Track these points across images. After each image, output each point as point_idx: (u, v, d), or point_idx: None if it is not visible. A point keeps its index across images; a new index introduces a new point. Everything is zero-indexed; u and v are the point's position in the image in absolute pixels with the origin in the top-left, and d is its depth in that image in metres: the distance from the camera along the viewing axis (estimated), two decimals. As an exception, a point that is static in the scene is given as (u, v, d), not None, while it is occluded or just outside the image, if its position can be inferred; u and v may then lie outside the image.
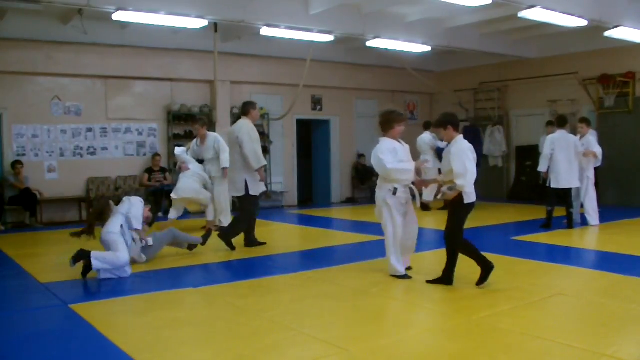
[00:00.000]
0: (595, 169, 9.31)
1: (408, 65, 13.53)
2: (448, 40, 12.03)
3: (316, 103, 14.40)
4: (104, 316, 4.70)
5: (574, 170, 8.87)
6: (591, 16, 9.60)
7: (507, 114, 14.56)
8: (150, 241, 6.70)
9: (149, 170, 11.88)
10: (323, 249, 7.71)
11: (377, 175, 5.85)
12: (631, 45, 11.50)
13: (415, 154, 9.18)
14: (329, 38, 10.89)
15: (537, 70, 13.54)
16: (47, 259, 7.41)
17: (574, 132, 9.46)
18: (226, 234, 7.59)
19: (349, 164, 14.84)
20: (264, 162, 7.66)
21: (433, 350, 3.90)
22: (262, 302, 5.06)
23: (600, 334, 4.05)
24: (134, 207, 6.40)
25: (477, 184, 5.40)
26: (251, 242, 7.82)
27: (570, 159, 8.82)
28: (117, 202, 6.66)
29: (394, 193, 5.51)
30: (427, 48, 12.11)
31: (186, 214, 11.60)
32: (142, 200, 6.66)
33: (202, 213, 9.79)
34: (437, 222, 9.35)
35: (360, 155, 14.93)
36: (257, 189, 7.63)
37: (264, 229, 10.01)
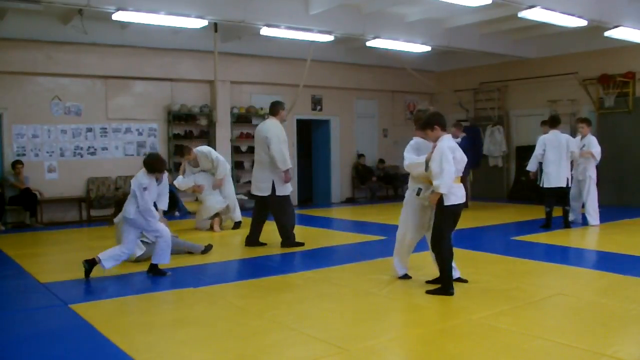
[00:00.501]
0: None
1: (408, 65, 13.53)
2: (448, 40, 12.03)
3: (316, 103, 14.40)
4: (104, 316, 4.70)
5: (564, 169, 8.87)
6: (591, 16, 9.60)
7: (507, 114, 14.56)
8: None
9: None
10: (323, 249, 7.70)
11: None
12: (631, 45, 11.50)
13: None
14: (329, 38, 10.89)
15: (537, 70, 13.54)
16: (47, 259, 7.42)
17: (573, 132, 9.46)
18: (286, 242, 7.69)
19: (349, 164, 14.84)
20: (290, 165, 7.63)
21: (433, 350, 3.90)
22: (262, 302, 5.05)
23: (600, 334, 4.05)
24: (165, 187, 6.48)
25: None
26: (253, 242, 7.82)
27: (561, 159, 8.83)
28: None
29: (418, 194, 5.34)
30: (427, 48, 12.11)
31: (187, 213, 11.63)
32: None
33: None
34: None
35: (360, 155, 14.93)
36: (284, 189, 7.62)
37: (264, 228, 10.01)
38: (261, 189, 7.57)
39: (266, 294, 5.41)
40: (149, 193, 6.10)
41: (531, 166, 9.18)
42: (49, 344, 4.08)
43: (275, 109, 7.76)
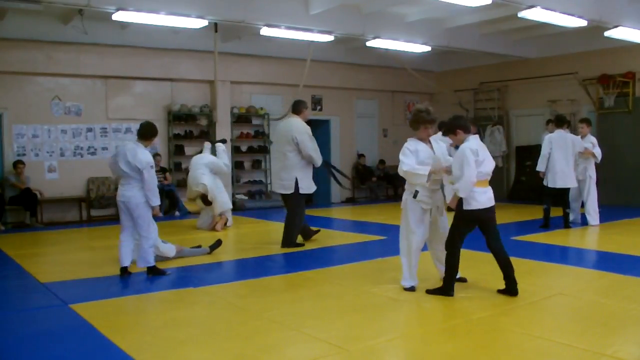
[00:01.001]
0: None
1: (408, 65, 13.53)
2: (448, 40, 12.03)
3: (316, 103, 14.39)
4: (104, 316, 4.70)
5: (571, 169, 8.86)
6: (591, 16, 9.60)
7: (507, 114, 14.56)
8: None
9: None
10: (323, 249, 7.70)
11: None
12: (631, 45, 11.50)
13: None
14: (329, 38, 10.90)
15: (537, 70, 13.54)
16: (47, 259, 7.43)
17: (574, 133, 9.45)
18: (287, 243, 7.67)
19: (349, 164, 14.83)
20: (321, 160, 7.76)
21: (433, 350, 3.90)
22: (262, 302, 5.05)
23: (600, 334, 4.05)
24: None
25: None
26: (307, 235, 7.99)
27: (567, 159, 8.82)
28: None
29: (414, 196, 5.16)
30: (427, 48, 12.11)
31: (187, 213, 11.63)
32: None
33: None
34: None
35: (360, 155, 14.92)
36: (308, 187, 7.68)
37: (264, 228, 10.04)
38: (286, 187, 7.63)
39: (266, 294, 5.41)
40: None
41: (541, 166, 9.01)
42: (49, 344, 4.08)
43: (298, 107, 7.81)
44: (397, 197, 14.89)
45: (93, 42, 10.95)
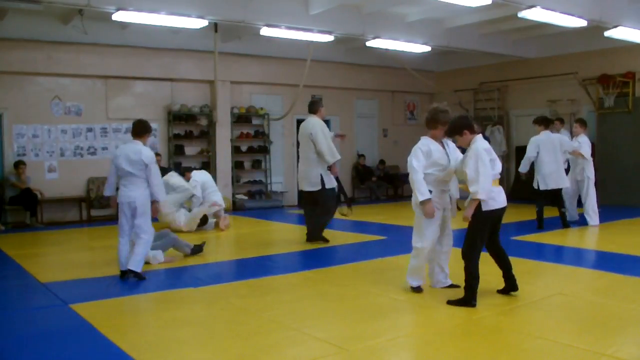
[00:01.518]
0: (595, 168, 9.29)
1: (408, 65, 13.53)
2: (448, 40, 12.03)
3: (316, 103, 14.38)
4: (104, 316, 4.70)
5: (561, 170, 8.83)
6: (591, 16, 9.60)
7: (507, 114, 14.56)
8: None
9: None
10: (323, 249, 7.70)
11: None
12: (631, 45, 11.50)
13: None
14: (329, 38, 10.90)
15: (537, 70, 13.54)
16: (47, 259, 7.43)
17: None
18: (313, 237, 7.93)
19: (349, 164, 14.83)
20: (339, 157, 7.94)
21: (433, 350, 3.91)
22: (262, 302, 5.06)
23: (600, 334, 4.05)
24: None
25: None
26: (315, 237, 8.01)
27: (557, 160, 8.77)
28: None
29: None
30: (427, 48, 12.11)
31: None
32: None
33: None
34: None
35: (360, 156, 14.92)
36: (332, 182, 7.89)
37: (264, 228, 10.05)
38: (313, 184, 7.83)
39: (266, 294, 5.41)
40: None
41: (524, 167, 9.10)
42: (49, 344, 4.08)
43: (314, 107, 8.08)
44: (397, 197, 14.90)
45: (93, 42, 10.95)
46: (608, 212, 10.11)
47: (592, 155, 9.27)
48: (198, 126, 12.64)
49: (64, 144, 11.31)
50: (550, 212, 9.06)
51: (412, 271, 5.23)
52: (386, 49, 12.15)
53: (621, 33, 10.37)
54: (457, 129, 4.91)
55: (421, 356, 3.90)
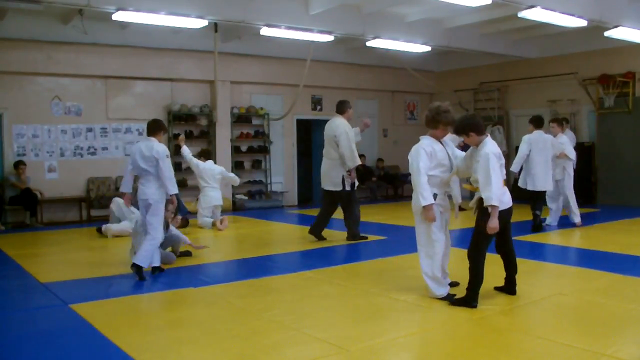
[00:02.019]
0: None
1: (408, 65, 13.53)
2: (448, 40, 12.03)
3: (316, 103, 14.40)
4: (104, 316, 4.70)
5: (550, 172, 8.65)
6: (591, 16, 9.60)
7: (507, 114, 14.56)
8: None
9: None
10: (323, 249, 7.70)
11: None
12: (631, 45, 11.50)
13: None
14: (329, 38, 10.90)
15: (537, 70, 13.54)
16: (47, 259, 7.42)
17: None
18: (352, 235, 8.05)
19: (349, 164, 14.80)
20: (359, 162, 7.96)
21: (433, 349, 3.91)
22: (262, 302, 5.05)
23: (600, 334, 4.05)
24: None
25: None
26: (317, 233, 8.11)
27: (547, 161, 8.58)
28: None
29: (434, 198, 4.82)
30: (427, 48, 12.11)
31: (187, 213, 11.62)
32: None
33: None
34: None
35: (360, 156, 14.84)
36: (353, 183, 7.97)
37: (264, 228, 10.05)
38: (335, 184, 7.91)
39: (266, 294, 5.41)
40: None
41: (516, 167, 8.78)
42: (49, 344, 4.08)
43: (342, 107, 8.08)
44: (397, 197, 14.90)
45: (93, 42, 10.96)
46: (608, 212, 10.12)
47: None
48: (198, 126, 12.64)
49: (64, 144, 11.31)
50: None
51: (432, 280, 4.96)
52: (386, 49, 12.15)
53: (621, 33, 10.37)
54: (462, 130, 4.81)
55: (421, 356, 3.90)
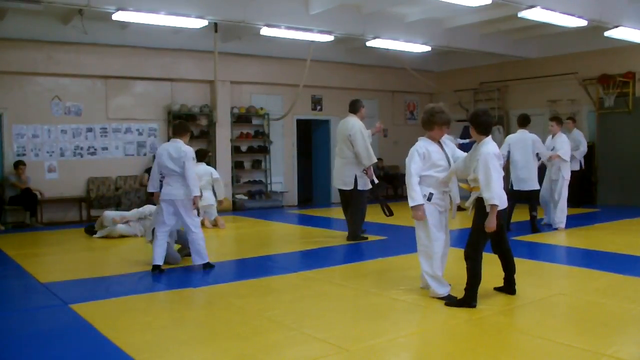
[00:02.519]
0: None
1: (408, 65, 13.53)
2: (448, 40, 12.03)
3: (316, 103, 14.40)
4: (104, 316, 4.70)
5: (532, 171, 8.46)
6: (591, 16, 9.60)
7: (507, 114, 14.56)
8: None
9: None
10: (323, 249, 7.71)
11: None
12: (631, 45, 11.51)
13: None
14: (329, 38, 10.90)
15: (537, 70, 13.55)
16: (47, 259, 7.42)
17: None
18: (353, 236, 8.08)
19: (349, 164, 14.80)
20: (375, 160, 7.98)
21: (433, 349, 3.91)
22: (262, 302, 5.05)
23: (600, 334, 4.05)
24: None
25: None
26: (355, 236, 8.12)
27: (527, 160, 8.42)
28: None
29: (429, 199, 4.87)
30: (427, 48, 12.12)
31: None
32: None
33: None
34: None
35: (378, 159, 14.85)
36: (365, 185, 7.98)
37: (264, 228, 10.05)
38: (347, 183, 7.95)
39: (266, 294, 5.41)
40: None
41: None
42: (49, 344, 4.08)
43: (355, 106, 8.09)
44: (397, 197, 14.89)
45: (93, 42, 10.96)
46: (608, 212, 10.11)
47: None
48: (198, 126, 12.63)
49: (64, 144, 11.31)
50: (519, 216, 8.95)
51: (433, 280, 4.97)
52: (386, 49, 12.15)
53: (621, 33, 10.37)
54: (470, 122, 4.89)
55: (421, 356, 3.90)
